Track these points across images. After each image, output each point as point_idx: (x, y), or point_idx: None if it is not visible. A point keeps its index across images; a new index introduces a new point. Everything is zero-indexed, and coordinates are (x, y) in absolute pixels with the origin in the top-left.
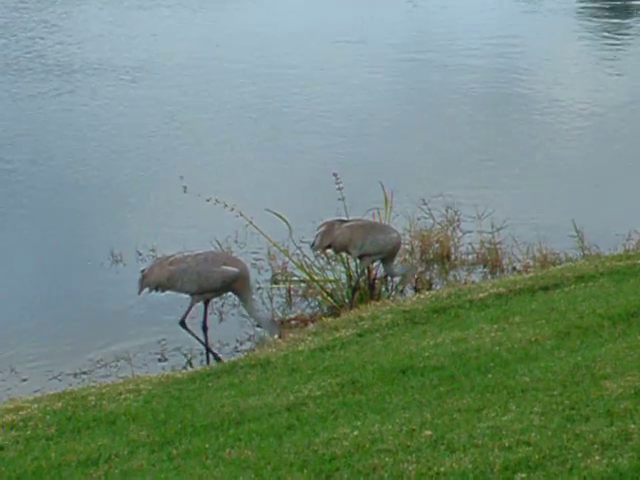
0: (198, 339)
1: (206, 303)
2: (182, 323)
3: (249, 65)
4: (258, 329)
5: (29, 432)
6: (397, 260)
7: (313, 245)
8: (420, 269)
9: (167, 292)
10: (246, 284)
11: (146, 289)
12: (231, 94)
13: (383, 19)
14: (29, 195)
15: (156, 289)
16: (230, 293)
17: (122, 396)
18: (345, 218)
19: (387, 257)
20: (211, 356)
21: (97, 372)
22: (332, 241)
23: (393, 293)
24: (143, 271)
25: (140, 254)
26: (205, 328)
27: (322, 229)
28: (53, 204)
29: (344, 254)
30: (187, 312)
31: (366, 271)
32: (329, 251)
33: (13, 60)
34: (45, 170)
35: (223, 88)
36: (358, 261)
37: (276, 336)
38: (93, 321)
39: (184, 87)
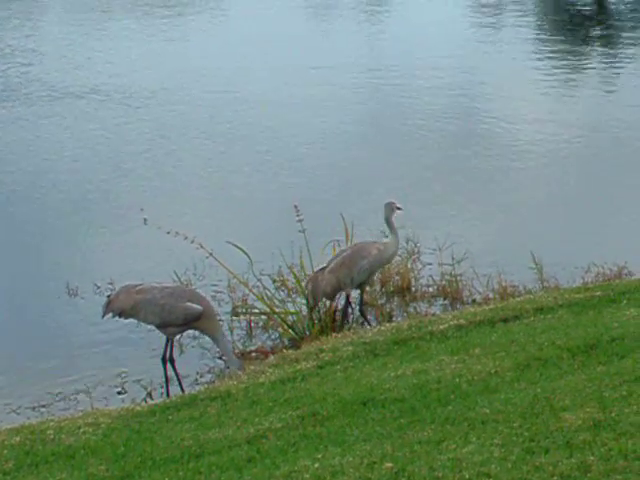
0: (178, 377)
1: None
2: (163, 359)
3: (211, 94)
4: (218, 361)
5: None
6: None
7: (308, 304)
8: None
9: (130, 321)
10: (212, 323)
11: (110, 314)
12: (193, 124)
13: (345, 47)
14: None
15: (119, 316)
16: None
17: (81, 430)
18: (324, 264)
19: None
20: (171, 389)
21: (56, 405)
22: (323, 293)
23: (354, 325)
24: (109, 296)
25: (98, 287)
26: (165, 360)
27: (309, 287)
28: (7, 235)
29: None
30: (166, 348)
31: (328, 303)
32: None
33: None
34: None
35: (185, 118)
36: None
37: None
38: (51, 354)
39: (146, 117)
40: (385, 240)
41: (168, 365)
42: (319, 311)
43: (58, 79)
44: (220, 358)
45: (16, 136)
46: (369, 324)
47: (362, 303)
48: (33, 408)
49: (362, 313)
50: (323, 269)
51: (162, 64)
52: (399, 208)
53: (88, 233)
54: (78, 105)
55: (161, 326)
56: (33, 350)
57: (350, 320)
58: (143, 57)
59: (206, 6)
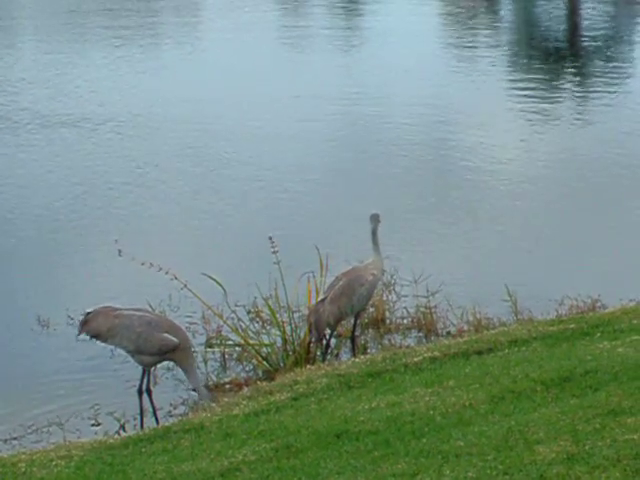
0: (154, 408)
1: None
2: (139, 391)
3: (188, 125)
4: (192, 393)
5: None
6: None
7: (312, 339)
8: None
9: (103, 352)
10: (186, 355)
11: (84, 334)
12: (169, 155)
13: (322, 79)
14: None
15: (94, 337)
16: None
17: (53, 462)
18: (322, 296)
19: None
20: (145, 421)
21: (28, 438)
22: (326, 324)
23: (328, 357)
24: (88, 314)
25: (71, 319)
26: (141, 392)
27: (312, 319)
28: None
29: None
30: (142, 379)
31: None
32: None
33: None
34: None
35: (156, 152)
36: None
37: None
38: (23, 386)
39: (122, 147)
40: (369, 261)
41: (144, 396)
42: (294, 342)
43: (35, 108)
44: (193, 390)
45: None
46: (355, 354)
47: (355, 331)
48: (5, 441)
49: (354, 341)
50: (323, 300)
51: (138, 94)
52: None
53: (61, 264)
54: (54, 135)
55: (135, 353)
56: (4, 382)
57: (330, 352)
58: (121, 86)
59: (184, 36)
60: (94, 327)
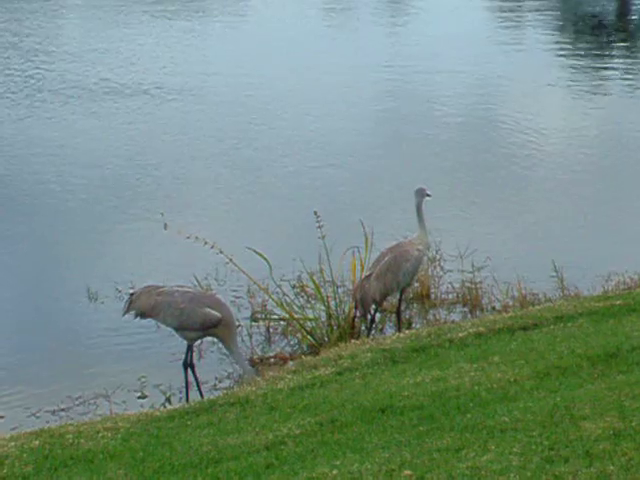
0: (198, 382)
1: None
2: (185, 365)
3: (232, 99)
4: (237, 367)
5: (5, 470)
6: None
7: (356, 316)
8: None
9: (150, 326)
10: (229, 331)
11: (131, 313)
12: (213, 130)
13: (365, 53)
14: (2, 229)
15: (140, 316)
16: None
17: (100, 434)
18: (368, 272)
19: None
20: (190, 394)
21: (75, 410)
22: (372, 300)
23: (373, 332)
24: (132, 295)
25: (119, 291)
26: (186, 366)
27: (358, 296)
28: (28, 239)
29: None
30: (187, 353)
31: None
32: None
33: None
34: (20, 202)
35: (205, 124)
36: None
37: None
38: (71, 359)
39: (171, 120)
40: (415, 236)
41: (189, 371)
42: (338, 317)
43: (80, 77)
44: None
45: (42, 136)
46: (400, 329)
47: (400, 306)
48: (53, 412)
49: (399, 316)
50: (368, 277)
51: (189, 65)
52: (428, 195)
53: (108, 238)
54: (103, 105)
55: (179, 329)
56: (53, 354)
57: (374, 326)
58: (173, 58)
59: (237, 6)
60: (139, 306)
